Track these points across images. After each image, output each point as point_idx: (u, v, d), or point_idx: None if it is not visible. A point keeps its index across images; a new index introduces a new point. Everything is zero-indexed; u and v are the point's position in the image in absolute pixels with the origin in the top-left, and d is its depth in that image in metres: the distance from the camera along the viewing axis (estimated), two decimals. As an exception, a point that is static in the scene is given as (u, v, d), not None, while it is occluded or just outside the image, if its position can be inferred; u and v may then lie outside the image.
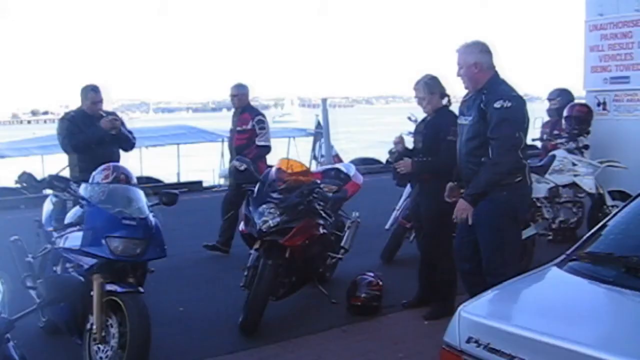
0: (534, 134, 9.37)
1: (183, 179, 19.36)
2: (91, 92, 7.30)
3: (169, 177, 19.65)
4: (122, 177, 5.39)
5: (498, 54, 5.31)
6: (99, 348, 4.80)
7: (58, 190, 5.46)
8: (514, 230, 5.30)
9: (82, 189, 5.25)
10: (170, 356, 5.46)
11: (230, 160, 8.99)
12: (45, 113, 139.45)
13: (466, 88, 5.39)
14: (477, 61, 5.18)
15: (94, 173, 5.49)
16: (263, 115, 9.05)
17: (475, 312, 3.15)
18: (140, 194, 5.25)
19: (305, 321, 6.33)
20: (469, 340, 3.01)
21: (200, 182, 17.26)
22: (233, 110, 9.18)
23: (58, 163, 14.35)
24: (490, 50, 5.25)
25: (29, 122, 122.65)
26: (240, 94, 8.98)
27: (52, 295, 2.85)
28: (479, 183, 5.12)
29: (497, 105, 4.98)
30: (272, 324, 6.10)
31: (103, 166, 5.54)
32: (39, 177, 19.38)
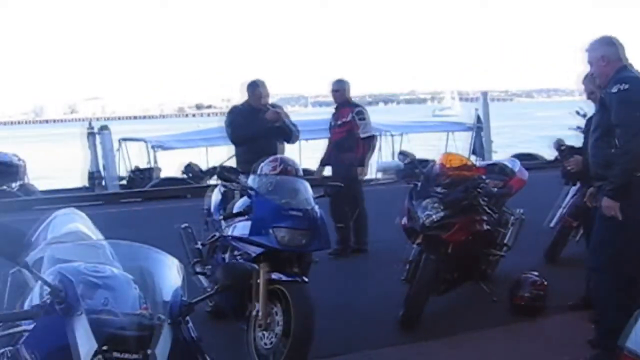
0: None
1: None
2: (257, 87, 7.52)
3: (326, 171, 19.88)
4: (290, 168, 5.50)
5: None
6: (263, 334, 4.92)
7: (227, 181, 5.63)
8: (626, 233, 4.98)
9: (251, 180, 5.40)
10: (332, 346, 5.51)
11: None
12: (209, 107, 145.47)
13: (599, 85, 5.26)
14: (604, 54, 5.04)
15: (261, 164, 5.63)
16: (363, 108, 8.96)
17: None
18: (307, 185, 5.34)
19: (466, 318, 6.22)
20: (654, 347, 2.83)
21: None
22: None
23: (221, 154, 14.95)
24: (617, 43, 5.08)
25: (193, 115, 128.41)
26: (341, 89, 8.92)
27: (228, 281, 2.93)
28: (615, 176, 4.87)
29: (614, 89, 4.82)
30: (432, 319, 6.04)
31: (271, 158, 5.67)
32: (203, 168, 20.22)
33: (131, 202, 15.46)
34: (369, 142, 8.78)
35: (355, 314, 6.40)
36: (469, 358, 5.46)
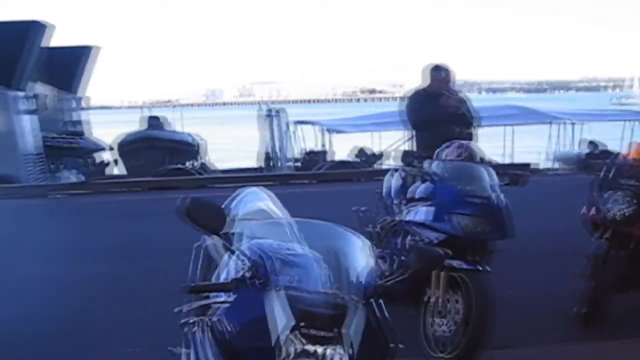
0: None
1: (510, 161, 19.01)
2: (440, 71, 7.43)
3: (500, 159, 19.43)
4: (474, 155, 5.43)
5: None
6: (442, 321, 4.89)
7: (410, 165, 5.63)
8: None
9: (434, 165, 5.38)
10: (504, 339, 5.32)
11: None
12: (381, 92, 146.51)
13: None
14: None
15: (445, 150, 5.59)
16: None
17: None
18: (492, 172, 5.26)
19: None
20: None
21: (527, 165, 16.81)
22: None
23: (391, 139, 14.99)
24: None
25: (365, 100, 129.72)
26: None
27: (420, 265, 2.92)
28: None
29: None
30: (611, 318, 5.73)
31: (456, 144, 5.62)
32: (375, 152, 20.45)
33: (304, 183, 15.86)
34: None
35: (528, 307, 6.23)
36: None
